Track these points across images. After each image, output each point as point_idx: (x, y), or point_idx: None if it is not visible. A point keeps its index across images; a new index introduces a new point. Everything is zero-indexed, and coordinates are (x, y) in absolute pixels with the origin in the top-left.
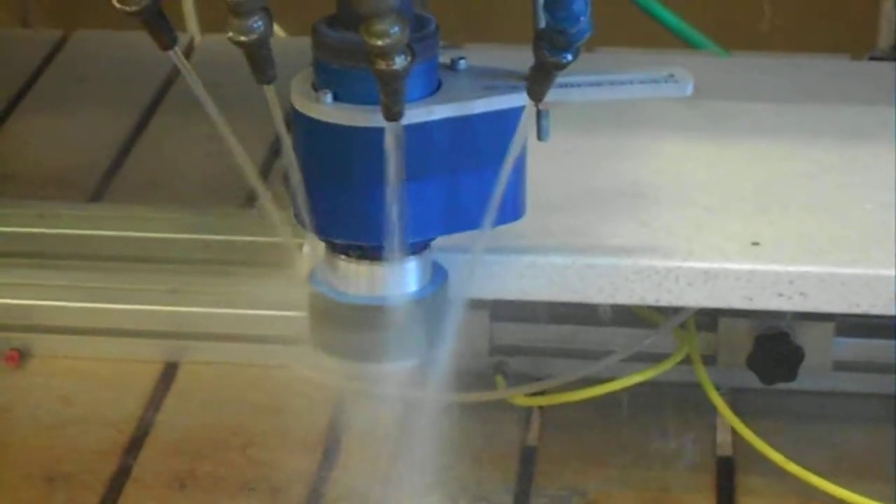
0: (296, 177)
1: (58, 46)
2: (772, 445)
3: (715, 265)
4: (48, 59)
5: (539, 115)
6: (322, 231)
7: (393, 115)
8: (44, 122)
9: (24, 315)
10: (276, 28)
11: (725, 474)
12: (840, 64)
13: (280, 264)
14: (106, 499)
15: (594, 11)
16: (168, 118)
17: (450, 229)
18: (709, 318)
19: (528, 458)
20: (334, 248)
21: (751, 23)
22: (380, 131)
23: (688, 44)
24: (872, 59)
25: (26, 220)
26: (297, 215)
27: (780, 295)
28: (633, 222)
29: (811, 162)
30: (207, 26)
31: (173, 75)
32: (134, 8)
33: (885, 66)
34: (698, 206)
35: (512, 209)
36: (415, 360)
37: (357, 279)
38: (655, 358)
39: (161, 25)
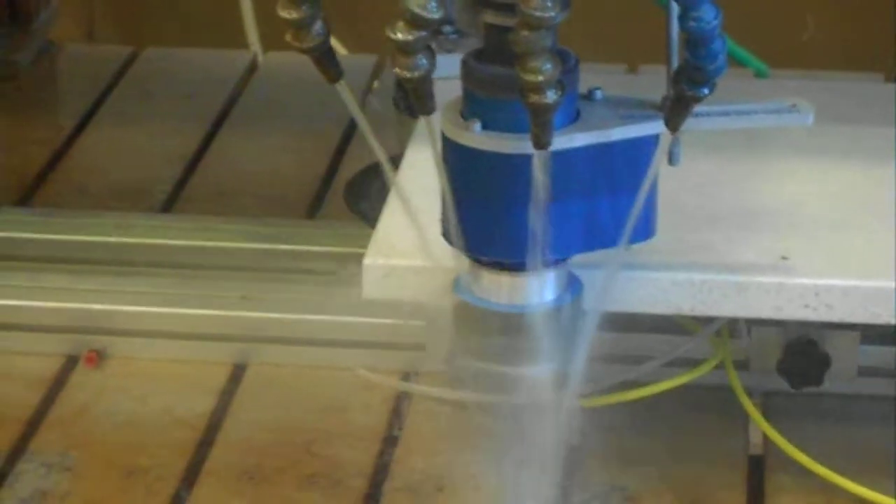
0: (447, 198)
1: (128, 62)
2: (799, 446)
3: (747, 278)
4: (119, 75)
5: (672, 142)
6: (471, 249)
7: (542, 143)
8: (115, 136)
9: (102, 319)
10: (336, 44)
11: (756, 472)
12: (872, 87)
13: (342, 273)
14: (181, 490)
15: (630, 29)
16: (234, 133)
17: (587, 247)
18: (742, 326)
19: (572, 456)
20: (479, 262)
21: (793, 35)
22: (526, 158)
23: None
24: None
25: (104, 230)
26: (445, 233)
27: (807, 306)
28: (671, 238)
29: (840, 182)
30: (269, 43)
31: (237, 91)
32: (307, 45)
33: None
34: (732, 223)
35: (644, 228)
36: (551, 366)
37: (499, 289)
38: (692, 363)
39: (330, 61)
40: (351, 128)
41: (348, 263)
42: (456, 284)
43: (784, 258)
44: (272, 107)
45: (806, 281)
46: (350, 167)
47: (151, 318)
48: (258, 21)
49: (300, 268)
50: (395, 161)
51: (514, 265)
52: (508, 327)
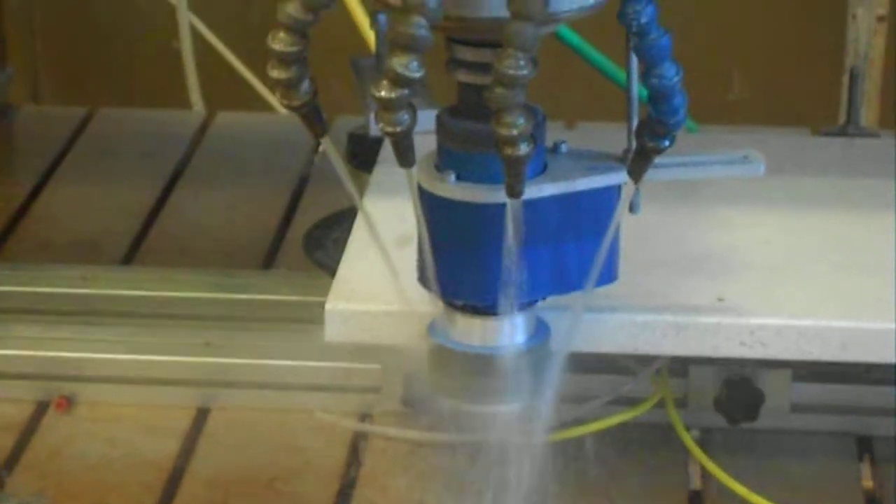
0: (424, 245)
1: (83, 123)
2: (737, 479)
3: (685, 319)
4: (75, 135)
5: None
6: (446, 292)
7: (515, 192)
8: (75, 194)
9: (71, 366)
10: (278, 105)
11: None
12: (799, 139)
13: (302, 320)
14: None
15: (572, 87)
16: (189, 189)
17: (555, 291)
18: (680, 366)
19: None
20: (453, 306)
21: (719, 93)
22: (498, 207)
23: None
24: (828, 134)
25: (71, 282)
26: (420, 278)
27: (743, 344)
28: (615, 282)
29: (771, 228)
30: (210, 104)
31: (191, 150)
32: (296, 104)
33: (837, 142)
34: (672, 268)
35: (608, 273)
36: (521, 404)
37: (472, 332)
38: (633, 402)
39: (317, 118)
40: (301, 182)
41: (308, 311)
42: (431, 327)
43: (720, 300)
44: (225, 164)
45: (741, 321)
46: (303, 220)
47: (118, 365)
48: (200, 81)
49: (259, 316)
50: (350, 213)
51: (487, 308)
52: (481, 368)
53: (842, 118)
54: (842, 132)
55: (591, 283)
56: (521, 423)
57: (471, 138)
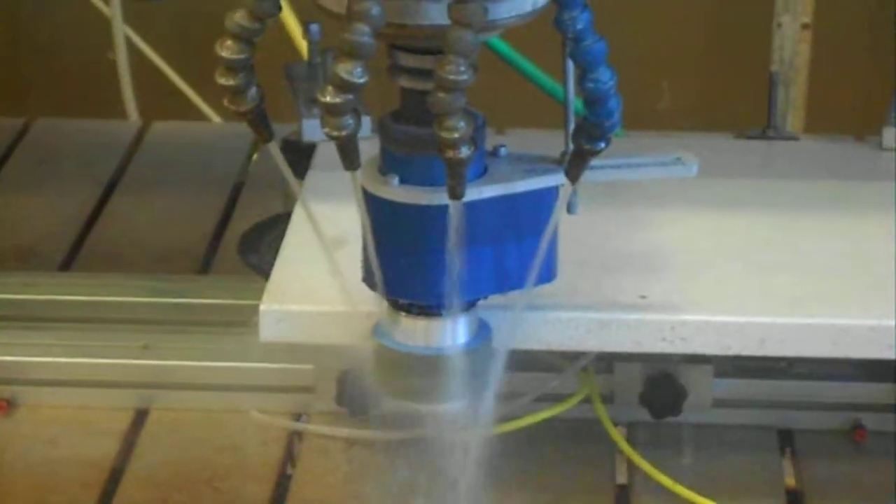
0: (369, 246)
1: (21, 133)
2: (661, 470)
3: (609, 315)
4: (13, 145)
5: (570, 193)
6: (390, 292)
7: (456, 194)
8: (14, 202)
9: (12, 370)
10: (212, 114)
11: (623, 497)
12: (720, 142)
13: (237, 323)
14: None
15: (503, 95)
16: (125, 197)
17: (496, 290)
18: (606, 363)
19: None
20: (397, 306)
21: (650, 103)
22: (441, 208)
23: None
24: (749, 138)
25: (12, 288)
26: (366, 279)
27: (664, 340)
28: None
29: (692, 228)
30: (147, 113)
31: (127, 159)
32: (244, 108)
33: (757, 145)
34: (596, 266)
35: (547, 272)
36: (464, 403)
37: (415, 332)
38: (560, 398)
39: (263, 123)
40: (236, 189)
41: (242, 313)
42: (376, 328)
43: (643, 297)
44: (160, 172)
45: (662, 317)
46: (238, 226)
47: (58, 368)
48: (135, 91)
49: (195, 319)
50: (284, 218)
51: (429, 309)
52: (425, 368)
53: None
54: (762, 135)
55: (531, 282)
56: (457, 420)
57: (413, 142)
